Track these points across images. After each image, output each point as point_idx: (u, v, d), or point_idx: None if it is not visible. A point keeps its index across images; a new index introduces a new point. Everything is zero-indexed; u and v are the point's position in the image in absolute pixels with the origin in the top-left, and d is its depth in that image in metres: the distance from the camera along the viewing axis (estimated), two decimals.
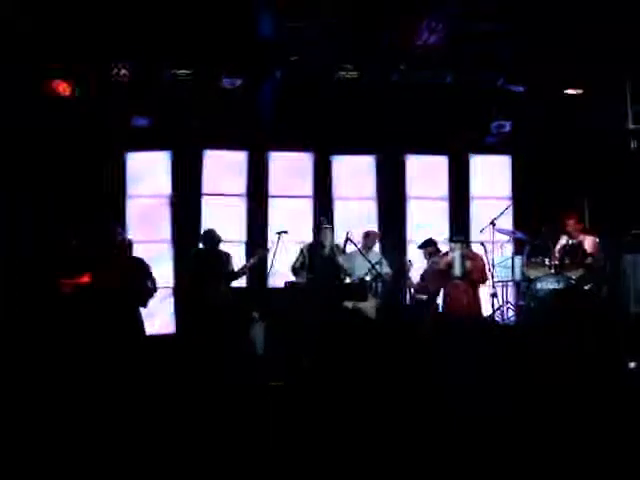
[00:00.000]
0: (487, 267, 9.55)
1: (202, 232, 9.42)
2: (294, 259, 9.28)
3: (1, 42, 8.42)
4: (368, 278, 9.24)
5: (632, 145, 9.08)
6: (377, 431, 5.08)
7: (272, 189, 10.96)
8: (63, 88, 9.48)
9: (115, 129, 10.18)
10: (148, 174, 10.71)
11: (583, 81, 9.67)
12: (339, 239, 9.57)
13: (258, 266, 9.56)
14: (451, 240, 9.72)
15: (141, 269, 7.29)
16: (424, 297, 9.77)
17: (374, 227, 10.75)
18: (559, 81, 9.80)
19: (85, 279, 6.87)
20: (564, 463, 4.35)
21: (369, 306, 9.10)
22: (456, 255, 9.30)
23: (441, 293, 9.61)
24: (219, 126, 10.31)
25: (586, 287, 9.31)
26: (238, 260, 9.79)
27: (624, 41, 8.38)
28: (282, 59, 9.36)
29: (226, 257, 9.04)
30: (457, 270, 9.25)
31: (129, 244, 7.92)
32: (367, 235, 9.89)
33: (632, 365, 6.88)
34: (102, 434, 5.06)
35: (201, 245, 9.24)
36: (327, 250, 9.25)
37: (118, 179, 10.55)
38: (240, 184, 10.89)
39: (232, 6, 8.25)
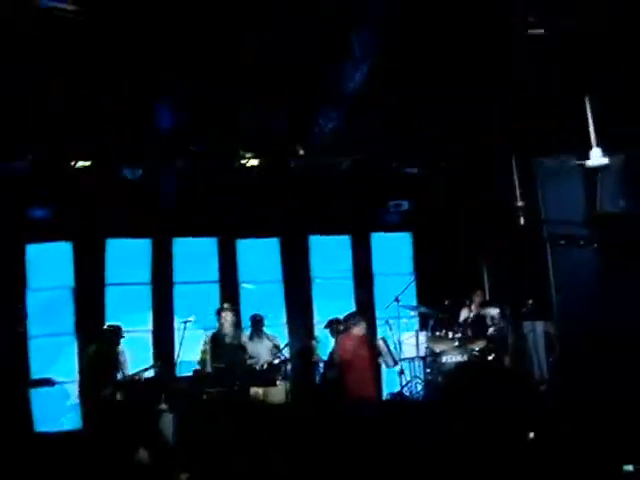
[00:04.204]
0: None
1: (105, 327, 9.31)
2: (199, 351, 9.18)
3: None
4: (276, 362, 9.24)
5: (521, 221, 9.52)
6: None
7: (177, 275, 10.90)
8: None
9: (13, 221, 10.01)
10: (49, 266, 10.50)
11: (471, 160, 10.11)
12: (246, 324, 9.63)
13: (164, 358, 9.51)
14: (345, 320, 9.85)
15: None
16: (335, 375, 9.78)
17: (281, 309, 10.84)
18: (450, 162, 10.24)
19: None
20: None
21: (279, 390, 9.09)
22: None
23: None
24: (121, 215, 10.25)
25: (489, 358, 9.58)
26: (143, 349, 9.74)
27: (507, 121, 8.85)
28: (182, 149, 9.46)
29: (123, 358, 9.03)
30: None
31: None
32: (254, 319, 9.89)
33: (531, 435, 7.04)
34: None
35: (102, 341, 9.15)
36: (230, 337, 9.23)
37: (18, 271, 10.31)
38: (144, 272, 10.79)
39: (130, 97, 8.33)
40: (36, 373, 9.80)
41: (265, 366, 9.14)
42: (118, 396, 8.63)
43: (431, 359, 9.99)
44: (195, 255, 11.01)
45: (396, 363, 9.98)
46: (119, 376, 8.98)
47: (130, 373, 9.06)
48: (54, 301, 10.45)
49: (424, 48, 7.15)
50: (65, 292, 10.50)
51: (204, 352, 9.08)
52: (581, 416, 6.90)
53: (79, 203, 10.07)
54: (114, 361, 8.96)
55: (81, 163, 9.58)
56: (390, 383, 10.39)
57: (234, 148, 9.69)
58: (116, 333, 9.07)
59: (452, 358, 9.62)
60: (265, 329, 9.76)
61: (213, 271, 11.04)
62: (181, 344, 9.01)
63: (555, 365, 9.38)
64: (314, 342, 10.12)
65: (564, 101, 7.86)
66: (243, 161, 9.82)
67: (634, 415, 6.60)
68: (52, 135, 8.98)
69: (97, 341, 9.24)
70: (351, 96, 8.04)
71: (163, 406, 8.78)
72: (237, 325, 9.45)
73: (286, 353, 9.43)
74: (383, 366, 10.21)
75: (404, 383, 10.01)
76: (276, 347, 9.30)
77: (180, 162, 9.73)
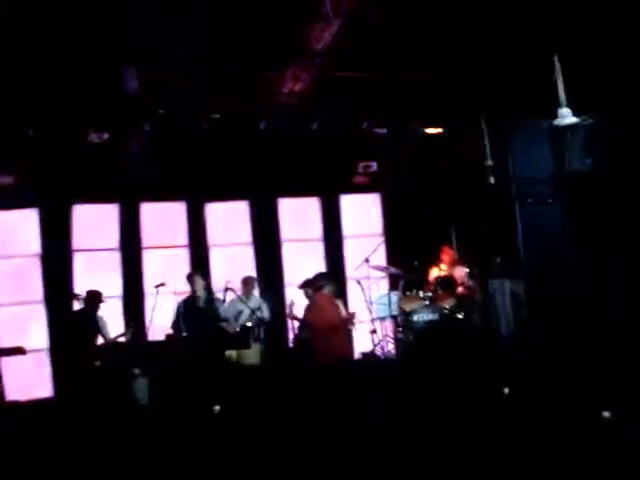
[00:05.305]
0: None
1: (86, 293, 9.26)
2: (172, 316, 9.17)
3: None
4: (250, 324, 9.26)
5: (491, 180, 9.58)
6: None
7: (146, 240, 10.80)
8: None
9: None
10: (16, 233, 10.33)
11: (443, 120, 10.11)
12: (217, 288, 9.60)
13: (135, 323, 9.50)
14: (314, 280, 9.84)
15: None
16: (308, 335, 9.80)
17: (252, 272, 10.79)
18: (420, 121, 10.23)
19: None
20: None
21: (252, 353, 9.13)
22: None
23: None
24: (87, 180, 10.08)
25: (459, 315, 9.72)
26: (114, 316, 9.71)
27: (479, 81, 8.85)
28: (149, 112, 9.32)
29: (102, 322, 9.00)
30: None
31: None
32: (245, 281, 9.91)
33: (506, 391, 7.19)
34: None
35: (80, 306, 9.13)
36: (202, 301, 9.22)
37: None
38: (113, 237, 10.68)
39: (97, 61, 8.16)
40: (6, 342, 9.70)
41: (238, 329, 9.18)
42: (99, 361, 8.65)
43: (402, 318, 10.11)
44: (163, 219, 10.90)
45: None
46: (100, 341, 8.99)
47: (112, 337, 9.07)
48: (22, 269, 10.32)
49: (397, 5, 7.09)
50: (33, 259, 10.37)
51: (177, 316, 9.08)
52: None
53: (45, 169, 9.87)
54: (95, 326, 8.91)
55: (46, 127, 9.40)
56: (362, 342, 10.45)
57: (201, 110, 9.57)
58: (96, 298, 9.09)
59: (423, 317, 9.74)
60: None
61: (182, 235, 10.95)
62: (153, 309, 8.99)
63: (521, 322, 9.58)
64: (291, 302, 10.14)
65: (534, 60, 7.87)
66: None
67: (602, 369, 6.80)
68: (16, 98, 8.79)
69: (77, 306, 9.25)
70: (320, 56, 7.98)
71: (136, 371, 8.80)
72: (208, 288, 9.42)
73: (260, 315, 9.42)
74: None
75: (376, 342, 10.11)
76: (250, 310, 9.29)
77: (147, 126, 9.59)
